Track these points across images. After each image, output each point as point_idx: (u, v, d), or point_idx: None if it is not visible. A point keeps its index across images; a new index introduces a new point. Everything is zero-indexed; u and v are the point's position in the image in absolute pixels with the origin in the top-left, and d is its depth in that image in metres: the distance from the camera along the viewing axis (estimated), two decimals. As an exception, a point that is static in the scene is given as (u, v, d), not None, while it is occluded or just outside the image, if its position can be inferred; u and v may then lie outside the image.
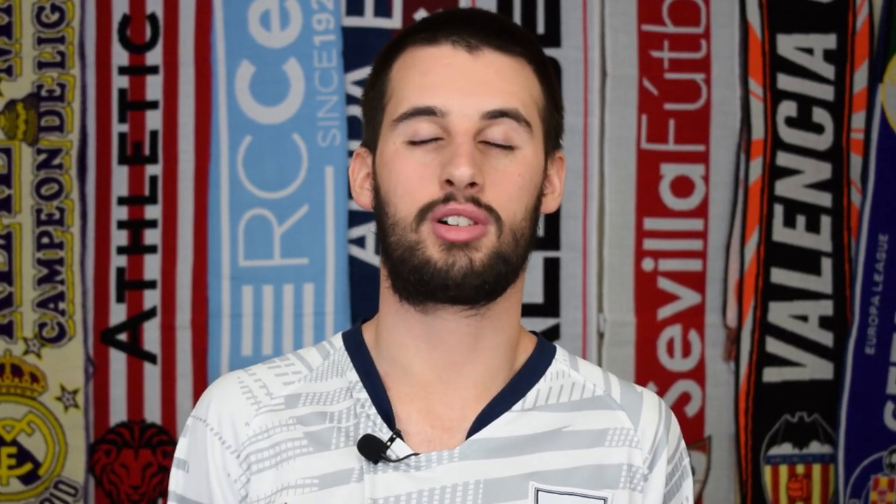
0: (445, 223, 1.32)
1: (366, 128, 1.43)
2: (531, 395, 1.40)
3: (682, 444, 1.46)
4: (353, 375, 1.41)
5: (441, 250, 1.32)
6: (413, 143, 1.34)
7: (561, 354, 1.45)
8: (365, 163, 1.42)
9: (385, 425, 1.36)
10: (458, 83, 1.34)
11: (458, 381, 1.38)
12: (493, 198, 1.33)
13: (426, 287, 1.33)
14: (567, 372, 1.43)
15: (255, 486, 1.36)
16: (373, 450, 1.34)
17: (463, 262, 1.32)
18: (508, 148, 1.35)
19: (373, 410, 1.37)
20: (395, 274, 1.36)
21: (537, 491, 1.34)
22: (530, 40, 1.40)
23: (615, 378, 1.45)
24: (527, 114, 1.36)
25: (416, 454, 1.34)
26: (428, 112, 1.33)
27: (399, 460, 1.34)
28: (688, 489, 1.46)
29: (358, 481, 1.34)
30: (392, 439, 1.35)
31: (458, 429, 1.37)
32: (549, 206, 1.43)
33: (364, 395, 1.39)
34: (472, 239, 1.32)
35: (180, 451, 1.43)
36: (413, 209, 1.33)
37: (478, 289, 1.33)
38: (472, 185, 1.32)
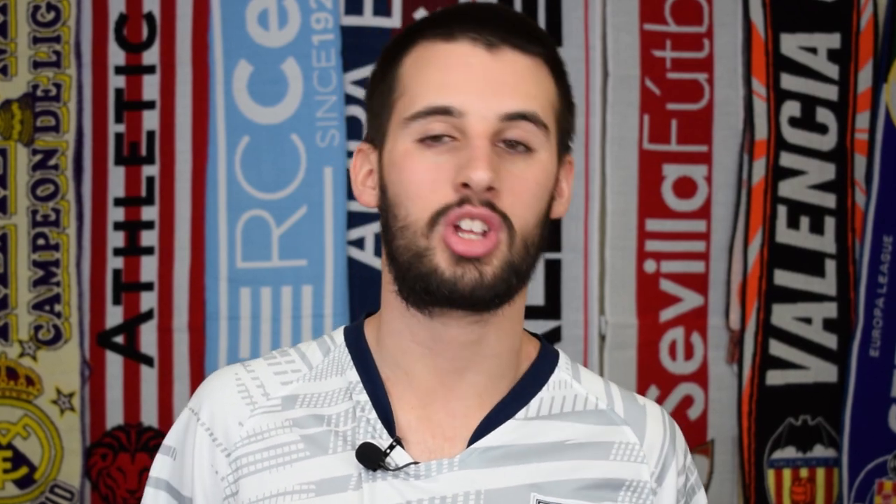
0: (458, 227, 1.28)
1: (370, 123, 1.38)
2: (534, 403, 1.37)
3: (689, 457, 1.43)
4: (353, 375, 1.38)
5: (450, 262, 1.28)
6: (425, 142, 1.30)
7: (563, 362, 1.42)
8: (368, 159, 1.38)
9: (385, 431, 1.34)
10: (478, 84, 1.29)
11: (460, 387, 1.35)
12: (508, 204, 1.29)
13: (432, 297, 1.29)
14: (569, 382, 1.40)
15: (247, 487, 1.34)
16: (371, 458, 1.31)
17: (472, 276, 1.28)
18: (526, 151, 1.31)
19: (373, 415, 1.35)
20: (401, 280, 1.32)
21: (538, 502, 1.32)
22: (548, 40, 1.37)
23: (616, 389, 1.43)
24: (544, 116, 1.32)
25: (415, 463, 1.32)
26: (445, 112, 1.29)
27: (398, 469, 1.31)
28: (701, 501, 1.44)
29: (356, 489, 1.31)
30: (392, 447, 1.32)
31: (460, 437, 1.35)
32: (557, 211, 1.38)
33: (364, 397, 1.36)
34: (485, 254, 1.28)
35: (170, 439, 1.42)
36: (426, 214, 1.28)
37: (488, 301, 1.30)
38: (490, 189, 1.28)
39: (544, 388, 1.38)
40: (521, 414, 1.36)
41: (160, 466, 1.42)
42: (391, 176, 1.32)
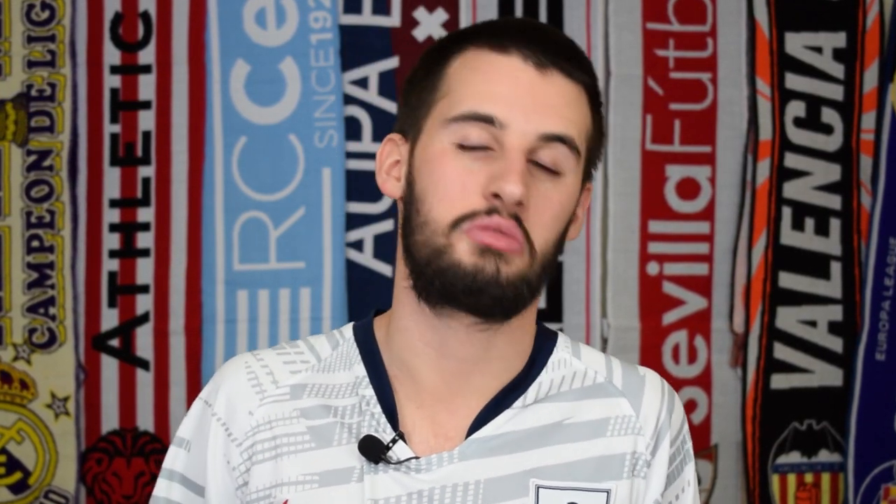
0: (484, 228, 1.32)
1: (404, 116, 1.42)
2: (532, 389, 1.40)
3: (686, 427, 1.46)
4: (360, 370, 1.41)
5: (472, 253, 1.31)
6: (462, 147, 1.33)
7: (563, 342, 1.45)
8: (397, 150, 1.41)
9: (389, 426, 1.37)
10: (523, 99, 1.33)
11: (465, 389, 1.39)
12: (532, 223, 1.33)
13: (450, 289, 1.32)
14: (569, 360, 1.44)
15: (256, 476, 1.38)
16: (373, 451, 1.35)
17: (490, 269, 1.31)
18: (554, 174, 1.35)
19: (378, 409, 1.38)
20: (418, 275, 1.35)
21: (538, 488, 1.35)
22: (591, 69, 1.41)
23: (618, 362, 1.45)
24: (579, 143, 1.36)
25: (416, 457, 1.35)
26: (486, 120, 1.32)
27: (400, 462, 1.35)
28: (689, 473, 1.45)
29: (358, 481, 1.35)
30: (394, 441, 1.35)
31: (460, 434, 1.38)
32: (571, 234, 1.43)
33: (370, 391, 1.39)
34: (508, 250, 1.31)
35: (183, 431, 1.45)
36: (450, 215, 1.32)
37: (497, 300, 1.32)
38: (519, 203, 1.31)
39: (543, 372, 1.41)
40: (518, 402, 1.39)
41: (174, 458, 1.45)
42: (421, 172, 1.35)
